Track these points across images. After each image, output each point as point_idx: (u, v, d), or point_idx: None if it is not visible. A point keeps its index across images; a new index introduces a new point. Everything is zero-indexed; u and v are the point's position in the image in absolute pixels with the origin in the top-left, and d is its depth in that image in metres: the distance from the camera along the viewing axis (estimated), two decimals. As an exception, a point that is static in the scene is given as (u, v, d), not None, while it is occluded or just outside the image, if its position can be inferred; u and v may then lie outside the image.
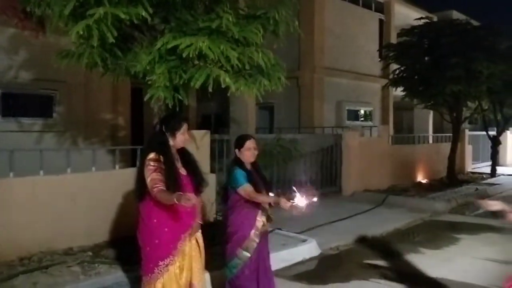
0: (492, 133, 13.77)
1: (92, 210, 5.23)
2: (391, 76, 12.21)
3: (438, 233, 6.97)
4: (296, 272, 5.05)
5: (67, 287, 3.95)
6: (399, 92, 12.83)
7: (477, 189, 10.84)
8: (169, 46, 4.42)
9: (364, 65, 15.40)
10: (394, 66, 12.32)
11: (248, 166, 3.70)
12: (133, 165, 6.39)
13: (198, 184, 3.33)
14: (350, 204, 8.75)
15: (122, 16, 4.17)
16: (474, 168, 15.39)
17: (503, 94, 11.46)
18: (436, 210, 8.56)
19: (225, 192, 3.79)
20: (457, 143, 12.03)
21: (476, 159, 16.25)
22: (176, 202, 2.80)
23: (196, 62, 4.80)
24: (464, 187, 11.20)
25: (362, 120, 15.50)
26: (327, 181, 9.86)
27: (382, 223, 7.25)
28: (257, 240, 3.62)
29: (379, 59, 15.17)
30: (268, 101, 12.82)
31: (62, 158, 5.50)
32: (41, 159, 5.06)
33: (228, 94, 5.35)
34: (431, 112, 18.10)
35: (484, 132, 14.17)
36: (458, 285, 4.70)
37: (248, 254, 3.60)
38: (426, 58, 11.34)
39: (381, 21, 16.51)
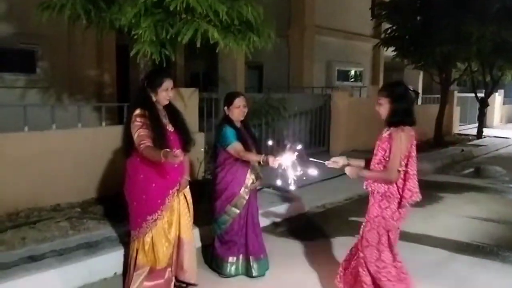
0: (481, 95, 13.85)
1: (79, 167, 5.19)
2: (382, 36, 12.07)
3: (422, 192, 7.10)
4: (283, 229, 5.15)
5: (56, 241, 3.97)
6: (389, 52, 12.71)
7: (462, 150, 11.01)
8: (155, -2, 4.26)
9: (355, 24, 15.14)
10: (385, 26, 12.15)
11: (238, 124, 3.67)
12: (120, 122, 6.31)
13: (186, 143, 3.30)
14: (337, 163, 8.79)
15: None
16: (461, 129, 15.58)
17: (492, 56, 11.42)
18: (421, 170, 8.69)
19: (214, 149, 3.78)
20: (445, 104, 12.10)
21: (463, 120, 16.43)
22: (163, 158, 2.77)
23: (184, 15, 4.65)
24: (450, 148, 11.37)
25: (352, 81, 15.43)
26: (316, 141, 9.90)
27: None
28: (246, 197, 3.66)
29: (371, 18, 14.91)
30: (257, 60, 12.62)
31: (46, 115, 5.40)
32: (25, 115, 4.95)
33: (217, 51, 5.23)
34: (421, 73, 18.08)
35: (473, 94, 14.23)
36: (440, 241, 4.83)
37: (237, 211, 3.64)
38: (417, 18, 11.18)
39: (373, -22, 16.12)
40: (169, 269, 3.35)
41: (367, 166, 3.14)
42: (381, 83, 16.27)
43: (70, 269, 3.50)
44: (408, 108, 2.95)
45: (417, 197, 2.99)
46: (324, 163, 3.14)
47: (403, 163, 2.91)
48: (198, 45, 4.54)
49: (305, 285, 3.76)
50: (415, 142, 3.00)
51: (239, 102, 3.63)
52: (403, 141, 2.87)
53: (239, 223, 3.68)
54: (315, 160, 3.15)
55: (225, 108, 3.67)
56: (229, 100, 3.65)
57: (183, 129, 3.34)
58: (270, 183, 5.88)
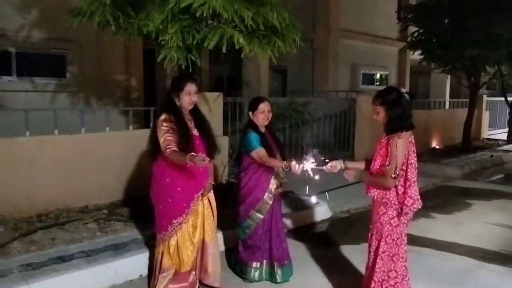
0: (511, 99, 13.46)
1: (106, 170, 5.31)
2: (409, 39, 11.88)
3: (449, 198, 6.97)
4: (307, 234, 5.13)
5: (84, 242, 4.07)
6: (416, 56, 12.50)
7: (492, 155, 10.72)
8: (182, 5, 4.32)
9: (381, 27, 14.97)
10: (412, 29, 11.95)
11: (262, 129, 3.68)
12: (146, 126, 6.42)
13: (210, 149, 3.33)
14: (362, 168, 8.70)
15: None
16: (490, 134, 15.15)
17: (524, 59, 11.08)
18: (449, 176, 8.52)
19: (239, 154, 3.80)
20: (473, 109, 11.80)
21: (492, 125, 15.96)
22: (189, 163, 2.81)
23: (210, 21, 4.71)
24: (479, 153, 11.08)
25: (377, 85, 15.23)
26: (340, 145, 9.81)
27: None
28: (270, 202, 3.66)
29: (397, 21, 14.72)
30: (281, 64, 12.62)
31: (76, 118, 5.54)
32: (55, 119, 5.10)
33: (242, 56, 5.26)
34: (449, 77, 17.69)
35: (502, 98, 13.84)
36: (468, 249, 4.72)
37: (261, 216, 3.65)
38: (445, 21, 10.97)
39: (400, -19, 15.91)
40: (194, 272, 3.39)
41: (367, 169, 3.16)
42: (407, 87, 16.03)
43: (97, 270, 3.58)
44: (403, 112, 2.93)
45: (419, 204, 2.98)
46: (323, 169, 3.13)
47: (399, 170, 2.88)
48: (224, 50, 4.59)
49: (328, 291, 3.73)
50: (414, 148, 2.98)
51: (263, 107, 3.64)
52: (399, 148, 2.86)
53: (263, 228, 3.69)
54: (315, 166, 3.14)
55: (250, 113, 3.69)
56: (253, 105, 3.67)
57: (208, 135, 3.37)
58: (294, 189, 5.89)
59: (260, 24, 4.67)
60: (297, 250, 4.36)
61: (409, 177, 2.93)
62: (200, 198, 3.32)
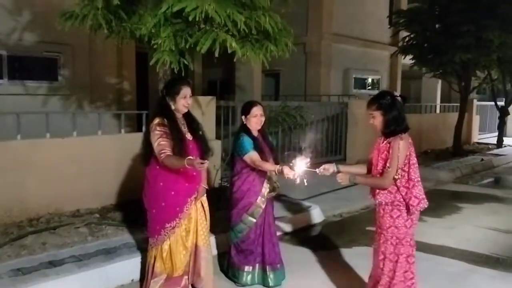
0: (501, 103, 13.61)
1: (98, 174, 5.28)
2: (400, 44, 11.98)
3: (441, 202, 7.01)
4: (299, 238, 5.13)
5: (76, 247, 4.04)
6: (407, 60, 12.61)
7: (482, 159, 10.82)
8: (175, 9, 4.32)
9: (373, 31, 15.09)
10: (403, 34, 12.06)
11: (255, 133, 3.69)
12: (139, 130, 6.40)
13: (204, 152, 3.33)
14: (354, 172, 8.73)
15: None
16: (481, 138, 15.30)
17: (513, 64, 11.22)
18: (440, 180, 8.58)
19: (232, 158, 3.80)
20: (464, 113, 11.91)
21: (483, 129, 16.12)
22: (187, 166, 2.81)
23: (202, 26, 4.72)
24: (470, 157, 11.17)
25: (369, 89, 15.33)
26: (332, 149, 9.86)
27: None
28: (263, 206, 3.66)
29: (389, 26, 14.83)
30: (274, 68, 12.67)
31: (68, 122, 5.51)
32: (47, 122, 5.07)
33: (234, 60, 5.28)
34: (440, 81, 17.86)
35: (492, 103, 13.99)
36: (460, 252, 4.75)
37: (254, 220, 3.65)
38: (436, 26, 11.08)
39: (391, -14, 16.06)
40: (186, 276, 3.38)
41: (362, 172, 3.19)
42: (398, 92, 16.12)
43: (88, 275, 3.55)
44: (399, 115, 2.98)
45: (425, 203, 3.00)
46: (316, 171, 3.14)
47: (400, 171, 2.93)
48: (217, 54, 4.60)
49: (321, 295, 3.74)
50: (413, 148, 3.02)
51: (256, 111, 3.65)
52: (401, 149, 2.91)
53: (256, 232, 3.69)
54: (308, 168, 3.15)
55: (243, 117, 3.70)
56: (246, 109, 3.68)
57: (201, 139, 3.38)
58: (286, 193, 5.90)
59: (252, 28, 4.69)
60: (290, 254, 4.35)
61: (412, 177, 2.96)
62: (193, 202, 3.32)
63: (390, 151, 2.93)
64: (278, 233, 4.13)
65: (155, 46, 4.65)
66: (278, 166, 3.35)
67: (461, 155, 11.33)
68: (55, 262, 3.68)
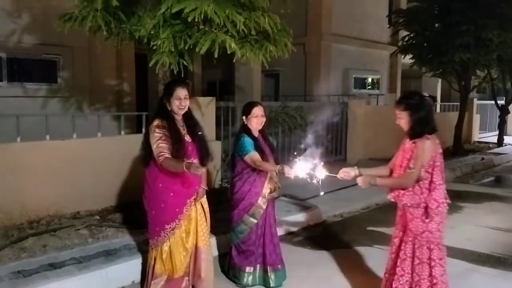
0: (501, 102, 13.60)
1: (98, 175, 5.28)
2: (400, 43, 11.97)
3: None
4: (300, 238, 5.13)
5: (76, 249, 4.03)
6: (407, 60, 12.61)
7: (483, 158, 10.81)
8: (174, 10, 4.32)
9: (373, 31, 15.09)
10: (403, 33, 12.06)
11: (256, 134, 3.68)
12: (138, 131, 6.40)
13: (203, 156, 3.32)
14: (354, 172, 8.71)
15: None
16: (481, 137, 15.29)
17: (513, 62, 11.21)
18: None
19: (232, 159, 3.80)
20: (464, 112, 11.91)
21: (483, 128, 16.11)
22: (185, 170, 2.80)
23: (201, 26, 4.72)
24: (470, 156, 11.17)
25: (369, 88, 15.34)
26: (333, 149, 9.85)
27: (386, 191, 7.26)
28: (264, 207, 3.65)
29: (388, 26, 14.84)
30: (273, 68, 12.68)
31: (67, 124, 5.51)
32: (47, 124, 5.07)
33: (234, 61, 5.27)
34: (439, 81, 17.86)
35: (493, 101, 13.98)
36: (460, 252, 4.74)
37: (255, 220, 3.64)
38: (436, 25, 11.07)
39: (391, -14, 16.06)
40: (186, 278, 3.37)
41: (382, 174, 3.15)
42: (398, 91, 16.15)
43: (89, 276, 3.55)
44: (427, 116, 2.92)
45: (444, 207, 2.93)
46: (336, 176, 3.11)
47: (423, 172, 2.87)
48: (216, 55, 4.60)
49: (322, 295, 3.73)
50: (441, 150, 2.96)
51: (257, 111, 3.65)
52: (426, 149, 2.85)
53: (257, 233, 3.68)
54: (328, 173, 3.13)
55: (243, 117, 3.69)
56: (247, 110, 3.67)
57: (201, 142, 3.36)
58: (287, 192, 5.90)
59: (252, 29, 4.69)
60: (291, 255, 4.35)
61: (434, 180, 2.90)
62: (193, 203, 3.31)
63: (415, 151, 2.87)
64: (279, 234, 4.12)
65: (154, 47, 4.65)
66: (278, 166, 3.35)
67: (461, 154, 11.32)
68: (55, 264, 3.68)
